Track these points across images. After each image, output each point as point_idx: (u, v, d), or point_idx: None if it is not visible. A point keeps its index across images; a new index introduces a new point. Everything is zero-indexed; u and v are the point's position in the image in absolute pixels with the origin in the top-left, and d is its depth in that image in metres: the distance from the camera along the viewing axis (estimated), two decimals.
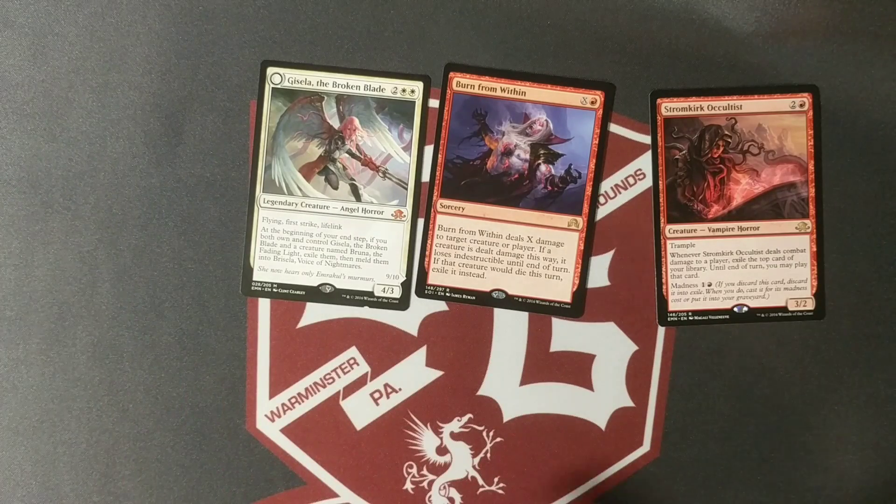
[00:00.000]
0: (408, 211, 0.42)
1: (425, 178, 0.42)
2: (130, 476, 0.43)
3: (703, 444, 0.43)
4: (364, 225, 0.42)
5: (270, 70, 0.41)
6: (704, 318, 0.42)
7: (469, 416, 0.43)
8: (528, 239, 0.42)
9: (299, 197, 0.42)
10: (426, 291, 0.42)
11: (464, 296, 0.42)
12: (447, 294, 0.42)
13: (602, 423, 0.43)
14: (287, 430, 0.43)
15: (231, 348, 0.42)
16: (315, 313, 0.42)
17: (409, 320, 0.43)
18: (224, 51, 0.41)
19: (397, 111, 0.42)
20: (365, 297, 0.42)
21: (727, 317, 0.42)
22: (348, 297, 0.42)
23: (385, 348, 0.43)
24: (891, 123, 0.42)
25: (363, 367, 0.43)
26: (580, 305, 0.42)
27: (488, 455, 0.43)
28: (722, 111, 0.42)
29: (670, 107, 0.42)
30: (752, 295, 0.42)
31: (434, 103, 0.41)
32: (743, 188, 0.42)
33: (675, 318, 0.42)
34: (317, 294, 0.42)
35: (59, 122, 0.42)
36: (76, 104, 0.42)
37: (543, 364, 0.43)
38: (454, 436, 0.43)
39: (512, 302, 0.42)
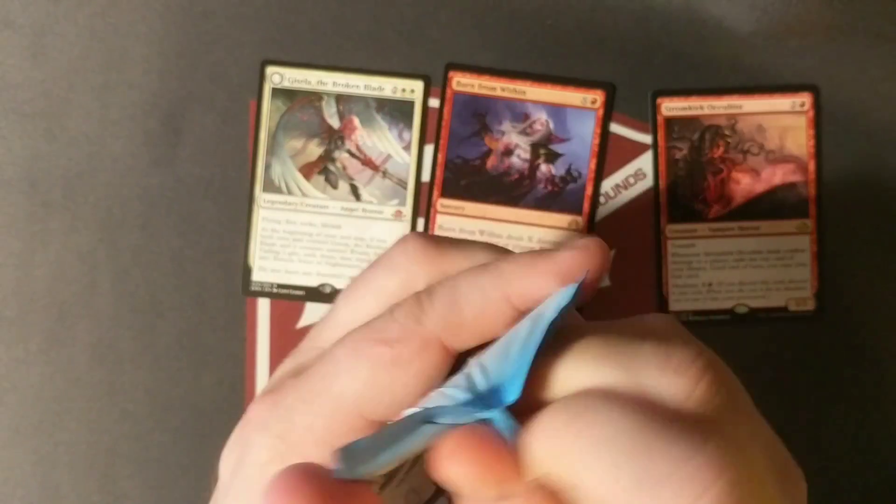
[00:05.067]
0: (407, 211, 0.42)
1: (425, 177, 0.42)
2: (130, 476, 0.43)
3: None
4: (364, 225, 0.42)
5: (270, 70, 0.41)
6: (704, 318, 0.42)
7: None
8: (528, 239, 0.42)
9: (299, 197, 0.42)
10: None
11: None
12: None
13: None
14: None
15: (231, 348, 0.42)
16: (315, 313, 0.42)
17: None
18: (224, 50, 0.41)
19: (397, 111, 0.42)
20: None
21: (727, 317, 0.42)
22: None
23: None
24: (891, 123, 0.42)
25: None
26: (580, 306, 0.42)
27: None
28: (722, 111, 0.42)
29: (671, 107, 0.42)
30: (753, 295, 0.42)
31: (434, 103, 0.41)
32: (743, 188, 0.42)
33: None
34: (317, 294, 0.42)
35: (59, 122, 0.42)
36: (76, 104, 0.42)
37: None
38: None
39: None
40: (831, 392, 0.43)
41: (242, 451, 0.25)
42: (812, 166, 0.42)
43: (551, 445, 0.19)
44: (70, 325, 0.42)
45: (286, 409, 0.24)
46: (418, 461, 0.22)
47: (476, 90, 0.41)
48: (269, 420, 0.24)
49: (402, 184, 0.42)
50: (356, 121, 0.42)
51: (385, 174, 0.42)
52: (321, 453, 0.21)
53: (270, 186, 0.42)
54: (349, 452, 0.18)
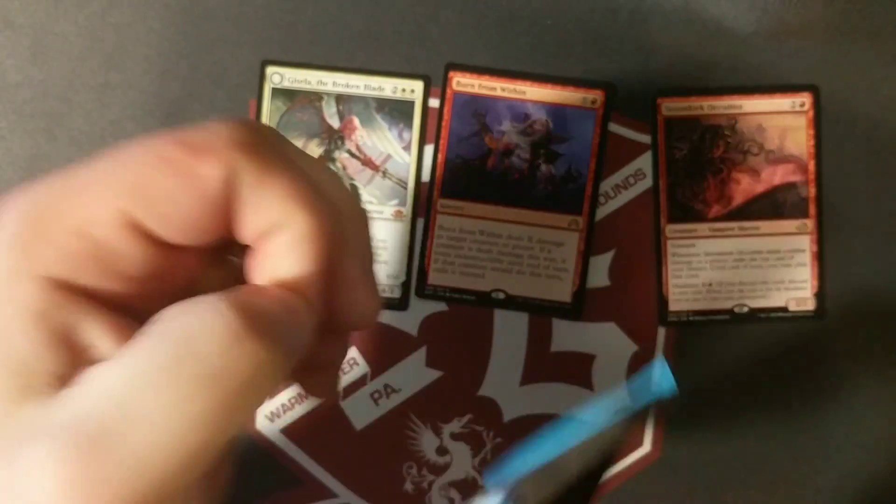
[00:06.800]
0: (407, 211, 0.42)
1: (425, 177, 0.42)
2: None
3: (704, 444, 0.43)
4: None
5: (270, 70, 0.41)
6: (704, 318, 0.42)
7: (469, 416, 0.43)
8: (528, 239, 0.42)
9: None
10: (426, 292, 0.42)
11: (464, 296, 0.42)
12: (447, 294, 0.42)
13: None
14: (287, 431, 0.43)
15: None
16: None
17: (409, 320, 0.42)
18: (224, 50, 0.41)
19: (397, 111, 0.42)
20: None
21: (727, 317, 0.42)
22: None
23: (385, 349, 0.43)
24: (891, 123, 0.42)
25: (363, 368, 0.43)
26: (580, 306, 0.42)
27: (488, 455, 0.43)
28: (722, 111, 0.42)
29: (671, 107, 0.42)
30: (753, 295, 0.42)
31: (434, 103, 0.41)
32: (743, 188, 0.42)
33: (676, 319, 0.42)
34: None
35: (59, 122, 0.42)
36: (76, 104, 0.42)
37: (543, 364, 0.43)
38: (454, 436, 0.43)
39: (512, 302, 0.42)
40: (831, 392, 0.43)
41: None
42: (812, 166, 0.42)
43: None
44: None
45: (45, 187, 0.20)
46: None
47: (476, 90, 0.41)
48: (19, 198, 0.20)
49: (402, 184, 0.42)
50: (356, 121, 0.42)
51: (385, 174, 0.42)
52: (73, 247, 0.19)
53: None
54: None
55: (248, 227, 0.21)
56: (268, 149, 0.21)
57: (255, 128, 0.21)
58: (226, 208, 0.20)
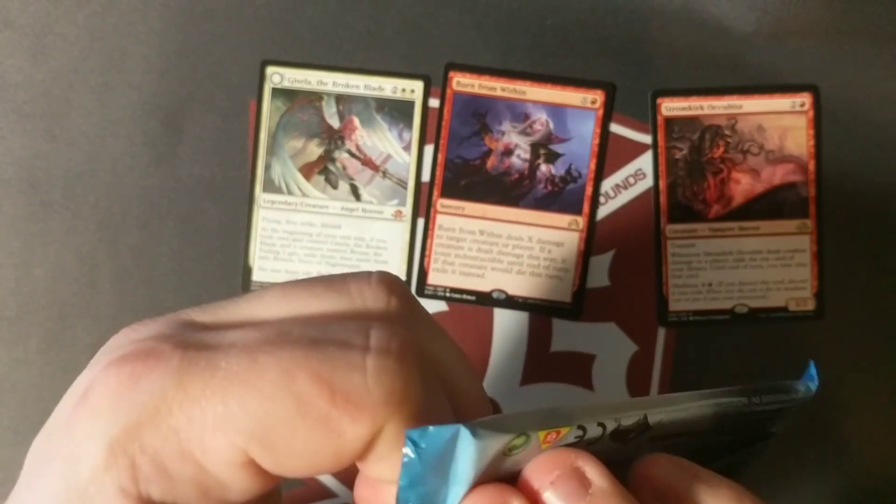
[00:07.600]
0: (407, 211, 0.42)
1: (425, 177, 0.42)
2: None
3: None
4: (364, 225, 0.42)
5: (270, 70, 0.41)
6: (705, 318, 0.42)
7: None
8: (528, 239, 0.42)
9: (299, 197, 0.42)
10: (426, 291, 0.42)
11: (464, 296, 0.42)
12: (447, 294, 0.42)
13: None
14: None
15: None
16: None
17: None
18: (224, 51, 0.41)
19: (397, 111, 0.42)
20: None
21: (727, 317, 0.42)
22: None
23: None
24: (891, 123, 0.42)
25: None
26: (580, 306, 0.42)
27: None
28: (722, 111, 0.42)
29: (671, 107, 0.42)
30: (753, 295, 0.42)
31: (434, 103, 0.42)
32: (743, 188, 0.42)
33: (676, 319, 0.42)
34: None
35: (59, 122, 0.42)
36: (76, 104, 0.42)
37: (543, 364, 0.43)
38: None
39: (512, 302, 0.42)
40: (831, 392, 0.43)
41: (72, 437, 0.19)
42: (812, 166, 0.42)
43: None
44: (70, 325, 0.42)
45: (159, 380, 0.18)
46: None
47: (476, 90, 0.41)
48: (133, 392, 0.18)
49: (402, 184, 0.42)
50: (356, 121, 0.42)
51: (385, 174, 0.42)
52: (180, 472, 0.17)
53: (270, 186, 0.42)
54: None
55: (380, 473, 0.19)
56: (417, 396, 0.18)
57: (409, 371, 0.18)
58: (354, 457, 0.18)
